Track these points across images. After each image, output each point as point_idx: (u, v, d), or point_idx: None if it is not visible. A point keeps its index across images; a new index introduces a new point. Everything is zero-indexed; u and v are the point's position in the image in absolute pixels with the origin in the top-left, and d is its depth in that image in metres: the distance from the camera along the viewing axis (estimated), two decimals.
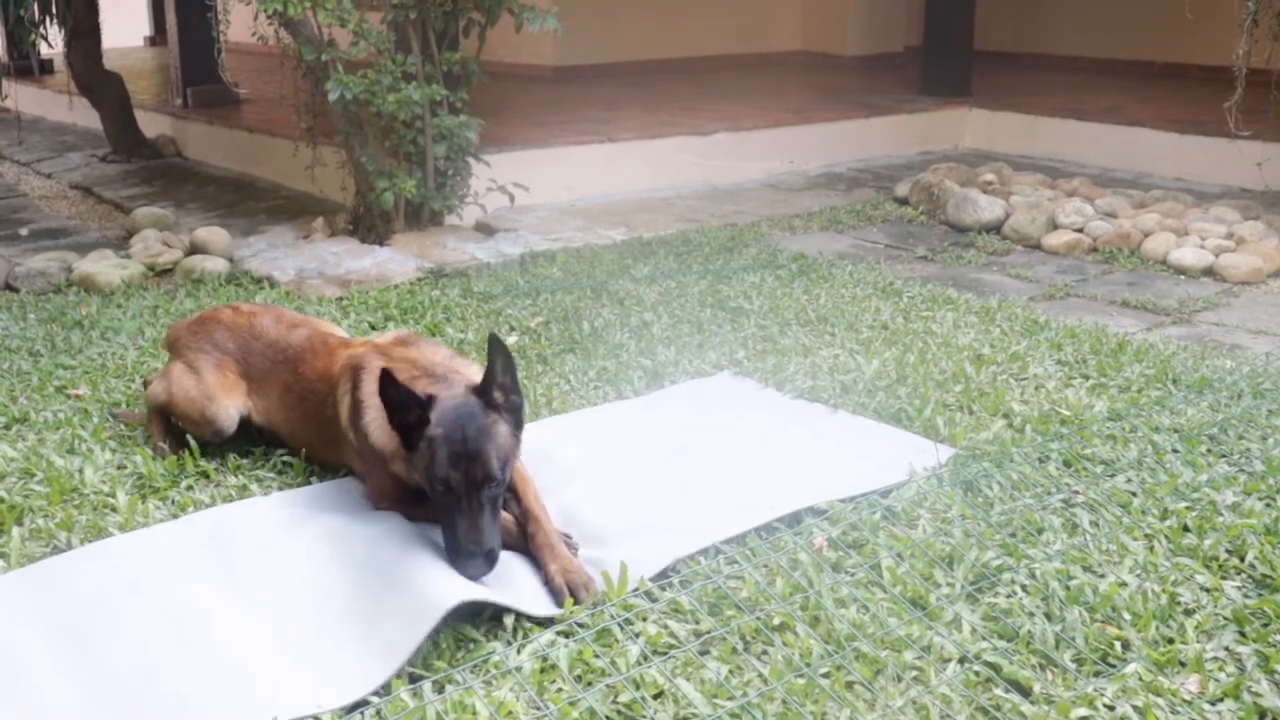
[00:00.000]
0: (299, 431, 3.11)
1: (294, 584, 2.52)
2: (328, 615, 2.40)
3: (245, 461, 3.19)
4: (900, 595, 2.46)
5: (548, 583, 2.50)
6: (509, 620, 2.37)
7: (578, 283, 5.02)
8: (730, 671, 2.21)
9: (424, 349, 2.89)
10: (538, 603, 2.44)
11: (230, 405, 3.14)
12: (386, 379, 2.54)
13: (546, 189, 6.49)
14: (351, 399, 2.84)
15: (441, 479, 2.48)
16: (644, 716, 2.10)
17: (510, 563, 2.57)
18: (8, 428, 3.45)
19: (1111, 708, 2.10)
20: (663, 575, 2.55)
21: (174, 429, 3.24)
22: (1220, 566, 2.59)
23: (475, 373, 2.76)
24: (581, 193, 6.85)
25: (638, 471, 3.08)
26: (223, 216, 6.50)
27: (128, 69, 9.75)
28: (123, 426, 3.42)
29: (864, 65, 11.14)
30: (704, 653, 2.27)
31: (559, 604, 2.44)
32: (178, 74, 8.96)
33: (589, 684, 2.19)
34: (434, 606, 2.34)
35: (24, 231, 6.42)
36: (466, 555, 2.44)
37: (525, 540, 2.62)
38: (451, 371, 2.76)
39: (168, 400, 3.21)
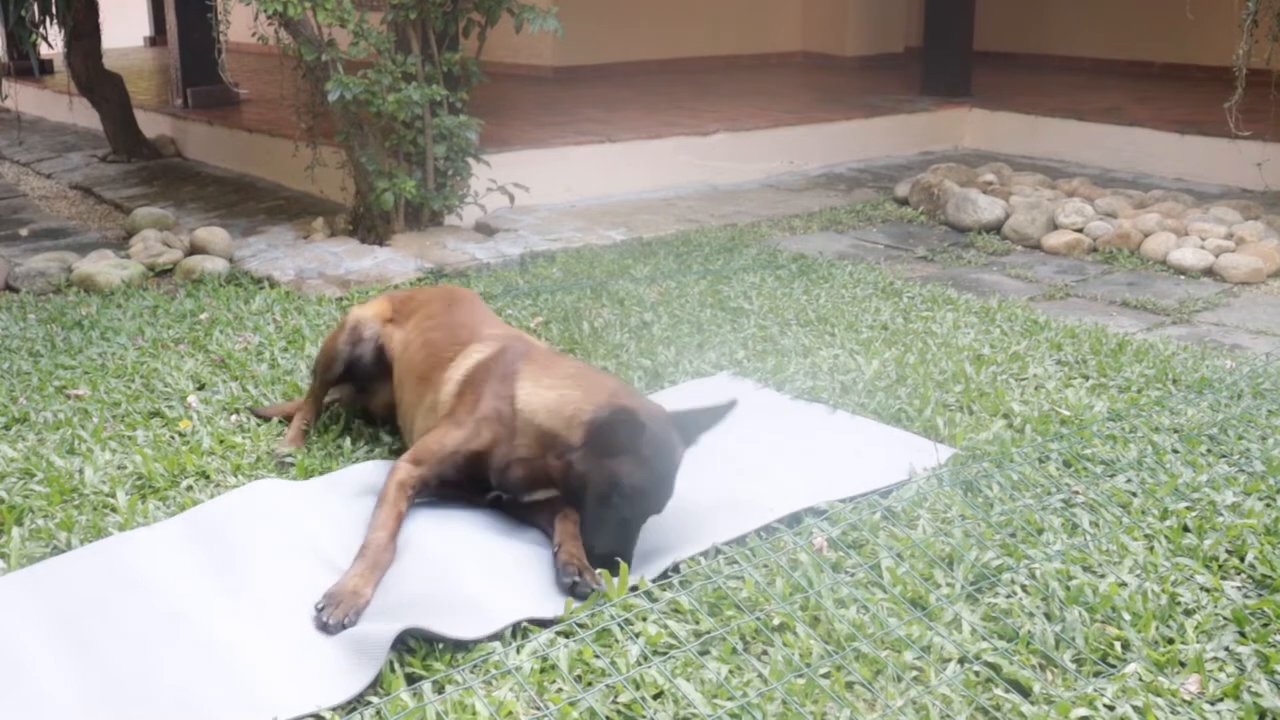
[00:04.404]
0: (408, 364, 3.21)
1: (294, 582, 2.52)
2: None
3: (245, 461, 3.19)
4: (900, 595, 2.46)
5: (556, 556, 2.55)
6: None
7: (578, 283, 5.02)
8: (730, 672, 2.21)
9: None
10: (541, 605, 2.43)
11: (371, 315, 3.39)
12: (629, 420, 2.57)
13: (546, 189, 6.49)
14: (506, 366, 2.88)
15: (625, 495, 2.56)
16: (644, 717, 2.10)
17: (511, 563, 2.58)
18: (8, 428, 3.45)
19: (1111, 708, 2.10)
20: (663, 575, 2.55)
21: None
22: (1220, 567, 2.59)
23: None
24: (581, 193, 6.85)
25: None
26: (223, 217, 6.51)
27: (128, 69, 9.75)
28: (123, 426, 3.42)
29: (864, 66, 11.14)
30: (704, 653, 2.27)
31: (563, 578, 2.48)
32: (178, 74, 8.97)
33: (589, 684, 2.19)
34: (431, 610, 2.34)
35: (24, 232, 6.43)
36: (599, 559, 2.52)
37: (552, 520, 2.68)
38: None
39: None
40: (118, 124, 8.52)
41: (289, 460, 3.17)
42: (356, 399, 3.51)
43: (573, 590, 2.46)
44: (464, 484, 2.79)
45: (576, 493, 2.63)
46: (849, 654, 2.26)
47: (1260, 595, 2.47)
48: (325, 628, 2.34)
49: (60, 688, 2.19)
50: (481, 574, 2.51)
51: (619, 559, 2.51)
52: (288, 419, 3.45)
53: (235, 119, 8.36)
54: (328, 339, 3.48)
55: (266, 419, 3.50)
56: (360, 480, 2.99)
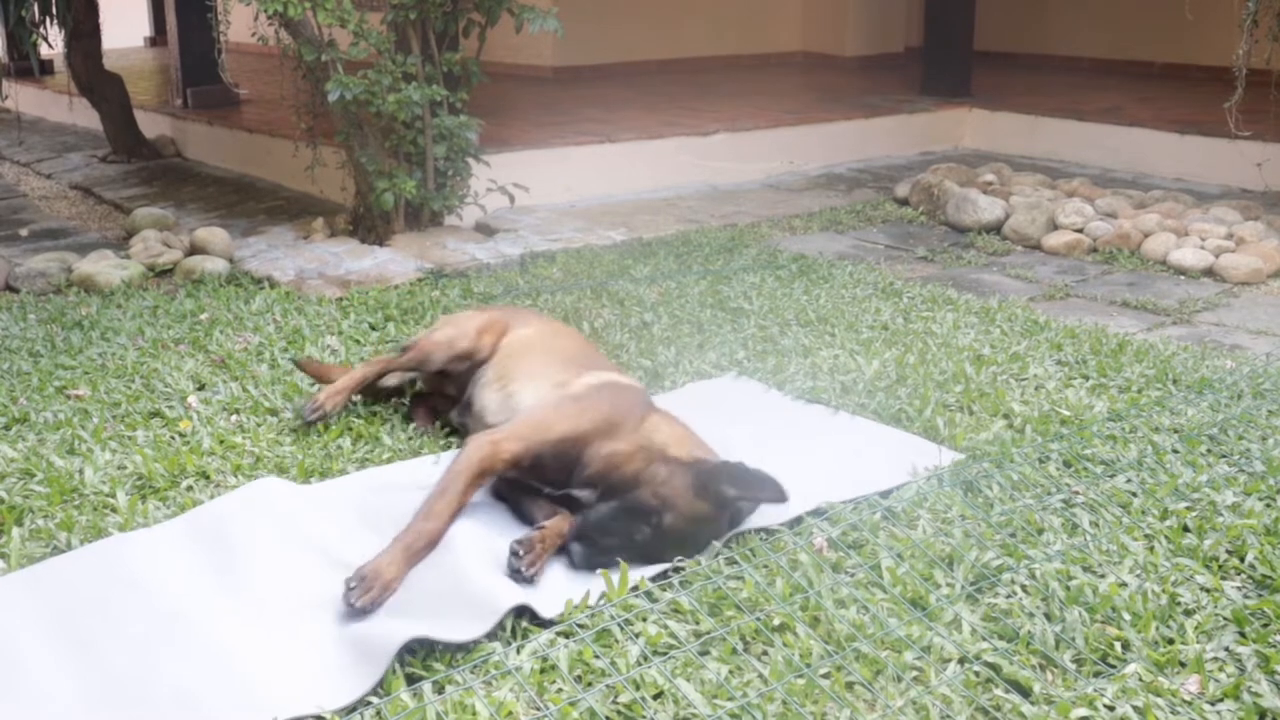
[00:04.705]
0: (530, 348, 3.29)
1: (295, 582, 2.52)
2: (327, 615, 2.40)
3: (245, 462, 3.19)
4: (900, 596, 2.46)
5: (533, 528, 2.64)
6: (509, 620, 2.37)
7: (578, 283, 5.02)
8: (730, 672, 2.21)
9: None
10: (544, 603, 2.43)
11: (488, 345, 3.38)
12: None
13: (546, 190, 6.50)
14: (643, 400, 2.98)
15: (655, 520, 2.58)
16: (644, 717, 2.10)
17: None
18: (8, 428, 3.45)
19: (1111, 708, 2.10)
20: (663, 575, 2.55)
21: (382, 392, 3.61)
22: (1220, 567, 2.59)
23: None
24: (581, 193, 6.86)
25: None
26: (223, 217, 6.51)
27: (128, 69, 9.75)
28: (123, 426, 3.42)
29: (864, 66, 11.14)
30: (704, 653, 2.27)
31: (514, 544, 2.54)
32: (178, 74, 8.97)
33: (589, 684, 2.19)
34: (438, 612, 2.34)
35: (24, 232, 6.42)
36: (589, 539, 2.57)
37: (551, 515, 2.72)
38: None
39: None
40: (118, 124, 8.52)
41: (315, 417, 3.33)
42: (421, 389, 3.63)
43: (510, 558, 2.51)
44: (545, 470, 2.78)
45: (623, 490, 2.64)
46: (849, 654, 2.26)
47: (1260, 595, 2.47)
48: (351, 609, 2.34)
49: (60, 688, 2.19)
50: (487, 571, 2.51)
51: (586, 547, 2.56)
52: (319, 380, 3.60)
53: (235, 119, 8.36)
54: (438, 341, 3.44)
55: (306, 373, 3.68)
56: (365, 483, 3.00)
